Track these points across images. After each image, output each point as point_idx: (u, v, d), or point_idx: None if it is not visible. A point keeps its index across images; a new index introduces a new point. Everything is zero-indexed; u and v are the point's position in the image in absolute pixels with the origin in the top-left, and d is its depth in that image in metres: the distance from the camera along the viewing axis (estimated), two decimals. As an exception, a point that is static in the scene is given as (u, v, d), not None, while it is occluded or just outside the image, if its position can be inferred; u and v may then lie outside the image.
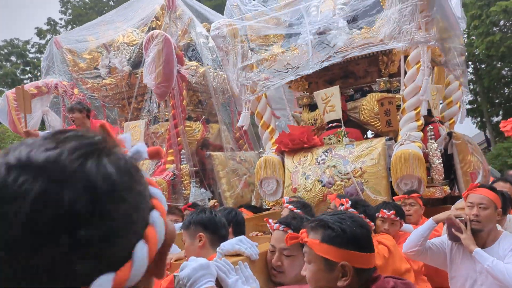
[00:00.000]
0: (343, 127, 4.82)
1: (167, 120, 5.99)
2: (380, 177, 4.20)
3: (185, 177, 5.28)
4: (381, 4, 4.67)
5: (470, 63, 20.20)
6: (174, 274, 1.60)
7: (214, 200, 5.15)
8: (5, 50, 25.65)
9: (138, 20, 6.03)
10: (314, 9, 5.07)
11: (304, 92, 5.65)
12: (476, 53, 19.32)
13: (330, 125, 4.96)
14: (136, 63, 5.91)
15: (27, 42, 25.99)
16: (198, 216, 2.12)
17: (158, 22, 6.04)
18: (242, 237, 1.94)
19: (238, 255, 1.85)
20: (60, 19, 26.62)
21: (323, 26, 4.74)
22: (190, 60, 5.88)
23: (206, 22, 6.58)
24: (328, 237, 1.40)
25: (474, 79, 20.29)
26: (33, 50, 26.05)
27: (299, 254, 1.85)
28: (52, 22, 26.16)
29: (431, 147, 4.18)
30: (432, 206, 4.31)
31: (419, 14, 3.95)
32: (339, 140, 4.81)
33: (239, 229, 2.55)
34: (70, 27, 24.93)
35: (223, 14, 6.98)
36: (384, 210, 2.98)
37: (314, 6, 5.09)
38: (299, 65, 4.41)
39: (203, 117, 6.35)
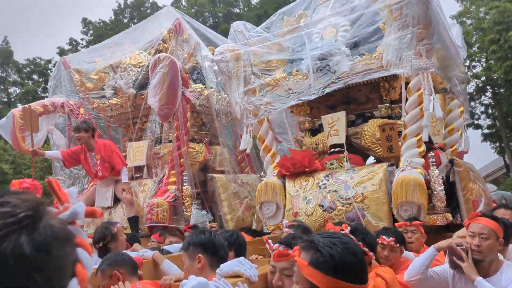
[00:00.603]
0: (345, 152, 4.86)
1: (170, 141, 6.04)
2: (382, 203, 4.19)
3: (187, 198, 5.28)
4: (382, 31, 4.76)
5: (488, 87, 20.06)
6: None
7: (215, 223, 5.14)
8: (28, 69, 26.69)
9: (145, 43, 6.16)
10: (317, 36, 5.17)
11: (305, 117, 5.71)
12: (495, 77, 19.09)
13: (332, 149, 4.99)
14: (142, 85, 6.00)
15: (49, 61, 26.90)
16: (198, 237, 2.13)
17: (165, 45, 6.17)
18: (241, 258, 1.95)
19: (238, 276, 1.85)
20: (82, 39, 27.51)
21: (325, 51, 4.83)
22: (195, 82, 5.97)
23: (212, 46, 6.71)
24: (316, 261, 1.29)
25: (492, 103, 20.05)
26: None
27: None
28: (73, 42, 27.06)
29: (432, 173, 4.19)
30: (435, 234, 4.28)
31: (419, 42, 4.03)
32: (341, 166, 4.83)
33: (240, 252, 2.55)
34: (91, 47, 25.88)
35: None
36: (384, 236, 2.97)
37: (316, 33, 5.19)
38: (301, 91, 4.47)
39: (206, 139, 6.39)
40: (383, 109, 4.98)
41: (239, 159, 6.82)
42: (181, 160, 5.57)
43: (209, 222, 5.22)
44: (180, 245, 3.65)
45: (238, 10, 30.15)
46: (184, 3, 29.56)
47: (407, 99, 4.50)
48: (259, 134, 5.37)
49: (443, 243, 2.69)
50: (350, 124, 5.16)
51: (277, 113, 5.60)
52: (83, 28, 27.67)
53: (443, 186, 4.17)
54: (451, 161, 4.54)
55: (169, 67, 4.88)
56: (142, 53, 6.17)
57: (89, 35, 27.29)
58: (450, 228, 4.53)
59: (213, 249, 2.10)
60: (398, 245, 2.99)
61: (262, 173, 5.40)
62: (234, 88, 4.81)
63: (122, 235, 3.64)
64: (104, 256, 3.43)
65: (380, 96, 5.07)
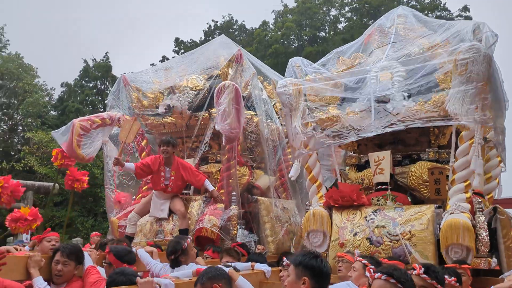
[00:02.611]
0: (389, 191, 5.13)
1: (217, 162, 6.36)
2: (429, 242, 4.42)
3: (234, 218, 5.56)
4: (437, 80, 5.06)
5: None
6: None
7: (261, 247, 5.39)
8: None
9: (202, 68, 6.55)
10: (374, 78, 5.51)
11: (352, 152, 6.01)
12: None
13: (379, 186, 5.26)
14: (197, 107, 6.36)
15: None
16: (311, 261, 2.36)
17: (218, 71, 6.55)
18: (349, 282, 2.21)
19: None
20: (173, 57, 28.28)
21: (383, 95, 5.14)
22: (248, 109, 6.33)
23: (260, 76, 7.10)
24: None
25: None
26: (147, 85, 28.85)
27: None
28: (165, 60, 28.09)
29: (478, 219, 4.43)
30: (473, 276, 4.49)
31: (478, 96, 4.33)
32: (386, 202, 5.09)
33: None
34: (181, 65, 27.56)
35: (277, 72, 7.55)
36: (446, 276, 3.21)
37: (373, 76, 5.52)
38: (361, 128, 4.78)
39: (250, 163, 6.70)
40: (431, 152, 5.26)
41: (277, 184, 7.10)
42: (230, 180, 5.87)
43: (254, 242, 5.47)
44: (248, 264, 3.93)
45: (324, 34, 30.14)
46: (271, 26, 30.16)
47: (456, 146, 4.79)
48: (307, 164, 5.65)
49: (502, 285, 2.93)
50: (397, 163, 5.44)
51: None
52: (175, 47, 29.28)
53: (487, 232, 4.40)
54: (494, 209, 4.78)
55: (234, 93, 5.24)
56: (198, 77, 6.55)
57: (180, 53, 28.38)
58: (486, 273, 4.75)
59: (319, 276, 2.34)
60: (458, 284, 3.24)
61: (307, 202, 5.65)
62: (294, 119, 5.13)
63: (192, 250, 3.92)
64: (175, 267, 3.72)
65: (429, 140, 5.36)
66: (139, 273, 3.13)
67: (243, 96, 6.11)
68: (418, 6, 26.41)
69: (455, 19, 25.66)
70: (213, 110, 6.10)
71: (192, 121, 6.37)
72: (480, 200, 4.59)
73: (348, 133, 4.84)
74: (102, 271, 3.59)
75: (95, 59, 28.40)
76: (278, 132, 6.74)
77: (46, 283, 3.16)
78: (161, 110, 6.58)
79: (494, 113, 5.00)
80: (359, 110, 5.27)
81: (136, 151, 6.72)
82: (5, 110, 23.67)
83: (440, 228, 4.43)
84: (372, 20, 26.71)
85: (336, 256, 4.37)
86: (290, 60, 5.94)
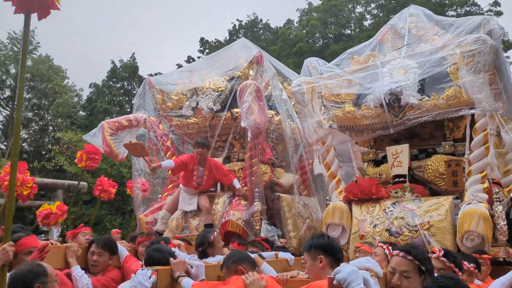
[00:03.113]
0: (407, 183, 5.30)
1: (239, 160, 6.61)
2: (447, 232, 4.57)
3: (257, 213, 5.79)
4: (449, 75, 5.20)
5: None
6: (329, 276, 2.09)
7: (284, 240, 5.60)
8: None
9: (223, 70, 6.81)
10: (387, 74, 5.67)
11: (368, 148, 6.17)
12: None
13: (396, 179, 5.42)
14: (219, 108, 6.62)
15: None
16: (318, 240, 2.56)
17: (239, 73, 6.80)
18: (368, 257, 2.41)
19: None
20: (198, 57, 29.15)
21: (395, 87, 5.31)
22: (270, 109, 6.56)
23: (280, 77, 7.33)
24: None
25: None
26: (172, 84, 29.90)
27: (416, 276, 2.32)
28: (191, 60, 29.00)
29: (496, 209, 4.55)
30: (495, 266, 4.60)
31: (489, 86, 4.46)
32: (404, 194, 5.26)
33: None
34: (206, 65, 28.27)
35: (296, 72, 7.77)
36: (465, 262, 3.34)
37: (386, 73, 5.69)
38: (378, 125, 4.96)
39: (271, 161, 6.92)
40: (447, 146, 5.39)
41: (299, 182, 7.29)
42: (252, 178, 6.10)
43: (278, 236, 5.69)
44: (272, 253, 4.15)
45: (349, 32, 29.69)
46: (296, 24, 30.18)
47: (471, 138, 4.93)
48: (325, 161, 5.85)
49: None
50: (413, 157, 5.58)
51: (343, 143, 6.09)
52: (200, 47, 29.71)
53: (506, 221, 4.52)
54: (512, 199, 4.89)
55: (256, 92, 5.49)
56: (220, 78, 6.82)
57: (205, 53, 28.97)
58: (506, 262, 4.84)
59: (332, 251, 2.54)
60: (477, 271, 3.38)
61: (327, 197, 5.84)
62: (308, 117, 5.34)
63: (219, 242, 4.15)
64: (203, 259, 3.96)
65: (444, 134, 5.49)
66: (173, 249, 3.34)
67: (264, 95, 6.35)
68: (447, 2, 25.68)
69: (485, 14, 24.98)
70: (235, 110, 6.36)
71: (214, 121, 6.63)
72: (498, 190, 4.71)
73: (363, 130, 5.02)
74: None
75: (122, 60, 29.08)
76: (299, 131, 6.94)
77: (84, 271, 3.44)
78: (188, 113, 6.82)
79: (509, 103, 5.13)
80: (374, 105, 5.47)
81: (161, 150, 7.02)
82: (36, 111, 24.53)
83: (458, 219, 4.58)
84: (399, 17, 26.70)
85: (355, 247, 4.55)
86: (305, 60, 6.16)
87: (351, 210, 5.38)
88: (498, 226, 4.49)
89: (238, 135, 6.62)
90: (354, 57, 6.15)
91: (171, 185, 6.85)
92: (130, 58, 29.32)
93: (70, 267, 3.44)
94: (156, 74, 28.39)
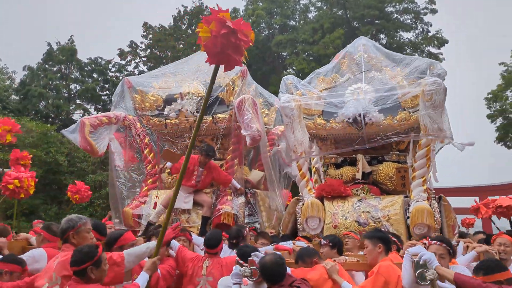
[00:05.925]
0: (364, 185, 6.72)
1: (216, 159, 7.36)
2: (401, 223, 6.06)
3: (241, 206, 6.67)
4: (400, 104, 6.68)
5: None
6: (413, 255, 3.18)
7: (273, 230, 6.62)
8: (89, 67, 27.67)
9: (204, 77, 7.44)
10: (349, 95, 6.99)
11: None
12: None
13: (357, 180, 6.81)
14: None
15: (109, 61, 28.11)
16: (379, 233, 3.72)
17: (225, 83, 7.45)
18: (420, 245, 3.58)
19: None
20: (141, 42, 27.90)
21: (360, 108, 6.64)
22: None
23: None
24: None
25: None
26: (113, 69, 28.32)
27: (447, 256, 3.57)
28: (133, 45, 27.63)
29: (433, 205, 6.18)
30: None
31: (441, 118, 6.03)
32: (363, 193, 6.66)
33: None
34: (149, 50, 27.39)
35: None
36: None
37: (348, 93, 7.00)
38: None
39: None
40: (394, 155, 6.95)
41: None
42: (233, 176, 6.94)
43: (259, 223, 6.68)
44: (290, 242, 5.11)
45: (294, 23, 30.44)
46: (241, 13, 29.72)
47: (414, 151, 6.52)
48: (298, 163, 6.98)
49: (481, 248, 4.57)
50: (367, 163, 7.03)
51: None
52: (144, 32, 27.89)
53: (440, 214, 6.19)
54: (440, 197, 6.62)
55: (252, 106, 6.32)
56: (200, 84, 7.44)
57: (148, 39, 27.68)
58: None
59: (387, 242, 3.69)
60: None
61: (299, 194, 6.97)
62: (297, 129, 6.39)
63: (248, 236, 4.99)
64: (233, 249, 4.74)
65: (391, 146, 7.03)
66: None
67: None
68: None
69: (422, 11, 27.86)
70: (219, 115, 7.07)
71: (195, 124, 7.24)
72: (433, 191, 6.36)
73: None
74: None
75: (59, 42, 27.26)
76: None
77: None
78: (172, 115, 7.24)
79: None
80: (340, 120, 6.75)
81: (139, 147, 7.39)
82: (-37, 94, 21.47)
83: (407, 212, 6.10)
84: (342, 10, 28.37)
85: (343, 235, 5.75)
86: (283, 78, 7.16)
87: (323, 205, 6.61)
88: (435, 218, 6.13)
89: (216, 138, 7.33)
90: (321, 78, 7.37)
91: (150, 180, 7.27)
92: (68, 40, 27.31)
93: None
94: (96, 59, 27.77)
